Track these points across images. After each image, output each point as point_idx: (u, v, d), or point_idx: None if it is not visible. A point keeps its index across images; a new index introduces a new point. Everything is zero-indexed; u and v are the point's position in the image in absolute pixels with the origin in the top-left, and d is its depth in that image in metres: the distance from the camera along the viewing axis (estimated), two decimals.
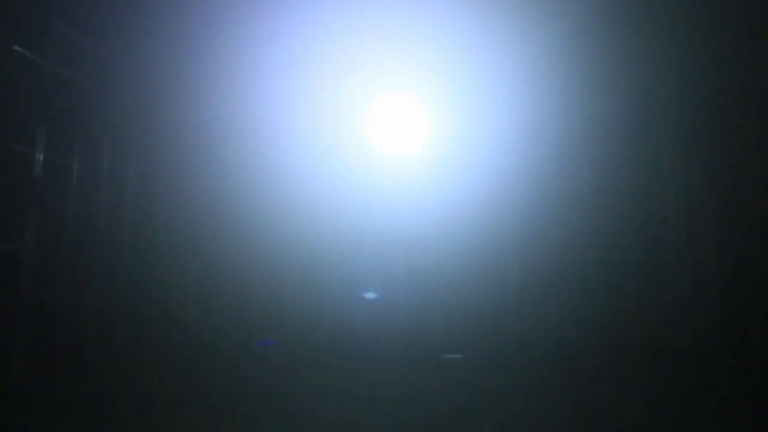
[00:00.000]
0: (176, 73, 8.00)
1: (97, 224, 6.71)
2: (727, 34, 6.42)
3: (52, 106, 5.99)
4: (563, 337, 7.09)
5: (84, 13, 6.43)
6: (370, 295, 8.02)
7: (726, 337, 5.74)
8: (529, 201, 7.63)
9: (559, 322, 7.19)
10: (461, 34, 7.65)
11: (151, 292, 7.48)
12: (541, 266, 7.44)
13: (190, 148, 8.22)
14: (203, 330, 7.80)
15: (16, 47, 5.49)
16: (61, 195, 6.19)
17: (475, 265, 7.79)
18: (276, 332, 7.92)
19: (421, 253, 8.00)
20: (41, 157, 5.85)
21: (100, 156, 6.83)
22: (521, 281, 7.59)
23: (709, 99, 6.21)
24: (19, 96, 5.56)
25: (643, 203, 6.67)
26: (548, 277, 7.37)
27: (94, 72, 6.66)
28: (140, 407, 5.10)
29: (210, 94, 8.33)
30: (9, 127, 5.46)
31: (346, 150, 8.39)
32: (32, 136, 5.76)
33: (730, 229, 5.87)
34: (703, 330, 5.89)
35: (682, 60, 6.61)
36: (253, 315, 8.01)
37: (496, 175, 7.78)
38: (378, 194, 8.26)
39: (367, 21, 7.57)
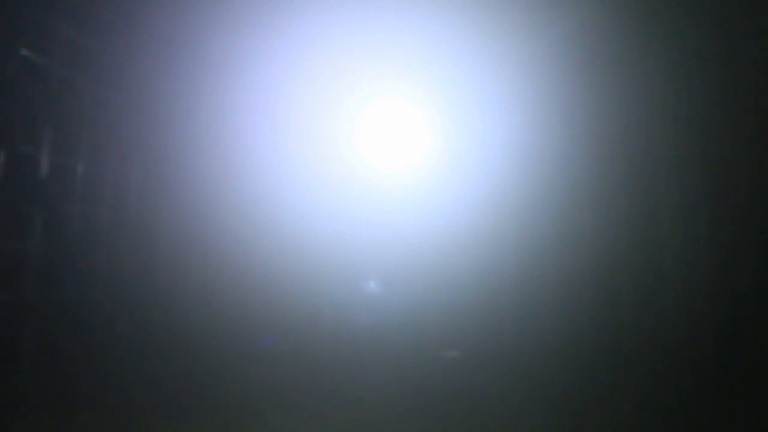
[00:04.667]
0: (181, 77, 8.06)
1: (101, 225, 6.75)
2: (726, 35, 6.44)
3: (58, 108, 6.05)
4: (559, 337, 7.12)
5: (90, 16, 6.49)
6: (372, 286, 8.05)
7: (721, 339, 5.77)
8: (525, 203, 7.67)
9: (555, 321, 7.22)
10: (458, 41, 7.70)
11: (155, 292, 7.51)
12: (538, 266, 7.47)
13: (194, 150, 8.27)
14: (206, 329, 7.83)
15: (22, 50, 5.55)
16: (65, 196, 6.25)
17: (473, 266, 7.83)
18: (276, 331, 7.95)
19: (420, 252, 8.04)
20: (47, 159, 5.90)
21: (105, 158, 6.88)
22: (519, 281, 7.62)
23: (706, 101, 6.24)
24: (25, 98, 5.61)
25: (638, 205, 6.71)
26: (545, 278, 7.40)
27: (100, 75, 6.73)
28: (143, 406, 5.11)
29: (215, 97, 8.38)
30: (15, 129, 5.51)
31: (346, 151, 8.45)
32: (38, 138, 5.82)
33: (725, 231, 5.91)
34: (698, 331, 5.92)
35: (679, 62, 6.64)
36: (255, 315, 8.04)
37: (493, 177, 7.82)
38: (378, 195, 8.31)
39: (364, 27, 7.63)
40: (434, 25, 7.41)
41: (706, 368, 5.69)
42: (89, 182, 6.60)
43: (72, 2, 6.22)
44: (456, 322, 7.76)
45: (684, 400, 5.55)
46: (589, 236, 7.08)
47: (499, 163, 7.78)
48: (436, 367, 7.20)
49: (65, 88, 6.19)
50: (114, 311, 6.86)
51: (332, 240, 8.21)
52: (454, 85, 8.19)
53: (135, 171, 7.41)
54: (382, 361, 7.38)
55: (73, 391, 5.60)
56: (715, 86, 6.15)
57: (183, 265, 7.97)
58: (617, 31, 6.95)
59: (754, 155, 5.72)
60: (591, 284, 6.96)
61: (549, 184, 7.45)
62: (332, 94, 8.40)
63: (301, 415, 4.90)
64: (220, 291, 8.06)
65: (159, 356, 7.20)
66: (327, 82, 8.36)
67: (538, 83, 7.56)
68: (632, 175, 6.79)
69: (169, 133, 7.99)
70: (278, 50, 8.17)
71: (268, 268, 8.14)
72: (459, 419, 4.90)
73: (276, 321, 8.00)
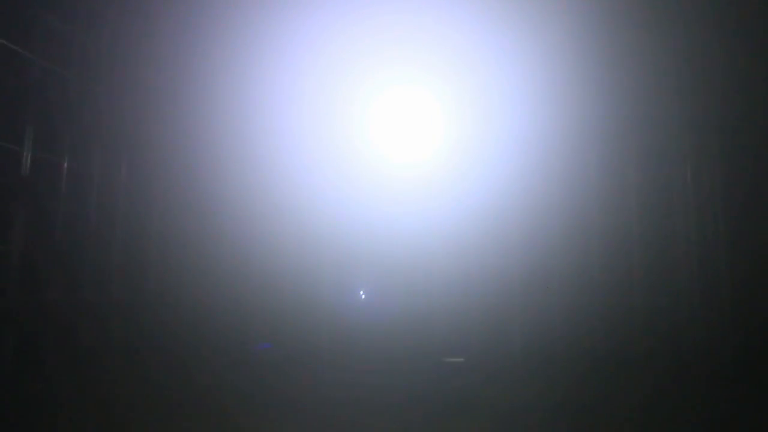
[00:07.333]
0: (170, 69, 7.81)
1: (87, 224, 6.54)
2: (734, 31, 6.29)
3: (41, 101, 5.82)
4: (567, 341, 6.95)
5: (73, 5, 6.24)
6: (373, 288, 7.88)
7: (736, 341, 5.61)
8: (534, 203, 7.48)
9: (563, 325, 7.06)
10: (470, 34, 7.48)
11: (144, 293, 7.32)
12: (546, 268, 7.30)
13: (183, 146, 8.05)
14: (197, 331, 7.65)
15: (2, 40, 5.31)
16: (50, 194, 6.02)
17: (479, 268, 7.65)
18: (274, 335, 7.79)
19: (424, 254, 7.85)
20: (29, 155, 5.68)
21: (91, 154, 6.65)
22: (526, 284, 7.45)
23: (718, 97, 6.07)
24: (5, 91, 5.39)
25: (653, 205, 6.53)
26: (553, 280, 7.23)
27: (84, 66, 6.48)
28: (133, 409, 4.99)
29: (205, 90, 8.14)
30: None
31: (348, 150, 8.21)
32: (20, 133, 5.59)
33: (740, 230, 5.74)
34: (713, 333, 5.75)
35: (691, 58, 6.48)
36: (249, 317, 7.86)
37: (501, 176, 7.63)
38: (381, 195, 8.10)
39: (375, 22, 7.41)
40: (451, 16, 7.19)
41: (723, 377, 5.52)
42: (75, 179, 6.36)
43: None
44: (461, 326, 7.58)
45: (696, 408, 5.39)
46: (601, 237, 6.88)
47: (508, 165, 7.57)
48: (439, 373, 7.06)
49: (49, 81, 5.93)
50: (102, 313, 6.65)
51: (334, 241, 8.01)
52: (466, 81, 7.96)
53: (124, 167, 7.17)
54: (384, 367, 7.23)
55: (61, 391, 5.47)
56: (734, 83, 5.98)
57: (175, 266, 7.77)
58: (634, 26, 6.76)
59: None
60: (601, 287, 6.78)
61: (561, 183, 7.25)
62: (341, 85, 8.13)
63: (300, 421, 4.75)
64: (215, 293, 7.87)
65: (150, 360, 7.04)
66: (335, 73, 8.09)
67: (551, 78, 7.35)
68: (647, 174, 6.60)
69: (160, 127, 7.75)
70: (276, 41, 7.92)
71: (265, 268, 7.95)
72: (463, 425, 4.76)
73: (273, 324, 7.82)
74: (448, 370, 7.27)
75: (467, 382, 6.50)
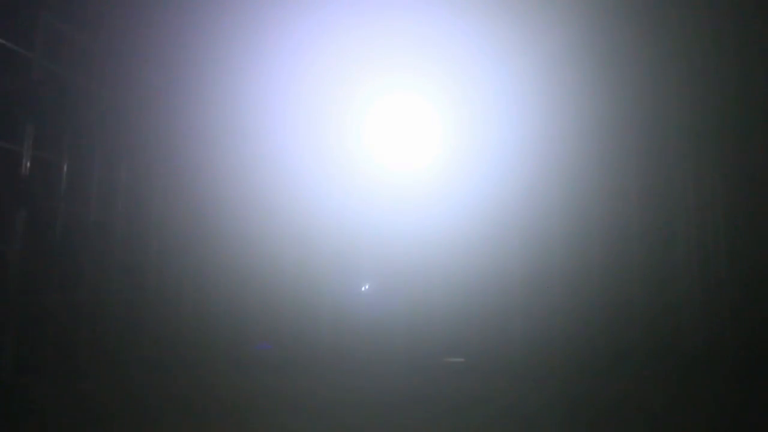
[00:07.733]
0: (171, 69, 7.80)
1: (87, 224, 6.52)
2: (735, 32, 6.30)
3: (41, 101, 5.80)
4: (569, 341, 6.95)
5: (74, 5, 6.23)
6: (374, 289, 7.88)
7: (737, 342, 5.61)
8: (534, 203, 7.48)
9: (565, 327, 7.05)
10: (467, 38, 7.49)
11: (144, 293, 7.31)
12: (546, 268, 7.29)
13: (184, 146, 8.03)
14: (198, 334, 7.64)
15: (1, 40, 5.30)
16: (50, 194, 6.01)
17: (479, 268, 7.65)
18: (273, 335, 7.78)
19: (424, 254, 7.84)
20: (29, 155, 5.66)
21: (91, 154, 6.64)
22: (526, 284, 7.45)
23: (724, 100, 6.08)
24: (5, 91, 5.38)
25: (653, 206, 6.53)
26: (553, 279, 7.23)
27: (85, 66, 6.47)
28: (131, 411, 4.99)
29: (206, 91, 8.13)
30: None
31: (348, 150, 8.21)
32: (20, 133, 5.58)
33: (741, 230, 5.74)
34: (714, 333, 5.75)
35: (691, 58, 6.48)
36: (250, 317, 7.84)
37: (501, 176, 7.62)
38: (380, 196, 8.09)
39: (373, 25, 7.41)
40: (446, 21, 7.19)
41: (722, 372, 5.52)
42: (75, 180, 6.35)
43: None
44: (461, 326, 7.58)
45: (699, 406, 5.39)
46: (601, 238, 6.88)
47: (508, 163, 7.57)
48: (440, 374, 7.06)
49: (49, 81, 5.92)
50: (102, 311, 6.64)
51: (333, 241, 8.00)
52: (465, 83, 7.96)
53: (123, 168, 7.16)
54: (384, 368, 7.22)
55: (60, 392, 5.46)
56: (734, 83, 5.98)
57: (175, 267, 7.76)
58: (633, 30, 6.76)
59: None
60: (602, 288, 6.77)
61: (560, 184, 7.25)
62: (339, 89, 8.13)
63: (300, 422, 4.74)
64: (214, 294, 7.86)
65: (149, 358, 7.02)
66: (334, 77, 8.09)
67: (551, 81, 7.35)
68: (647, 175, 6.60)
69: (160, 128, 7.74)
70: (277, 45, 7.91)
71: (265, 270, 7.93)
72: (463, 424, 4.76)
73: (273, 325, 7.81)
74: (449, 370, 7.28)
75: (467, 382, 6.50)
